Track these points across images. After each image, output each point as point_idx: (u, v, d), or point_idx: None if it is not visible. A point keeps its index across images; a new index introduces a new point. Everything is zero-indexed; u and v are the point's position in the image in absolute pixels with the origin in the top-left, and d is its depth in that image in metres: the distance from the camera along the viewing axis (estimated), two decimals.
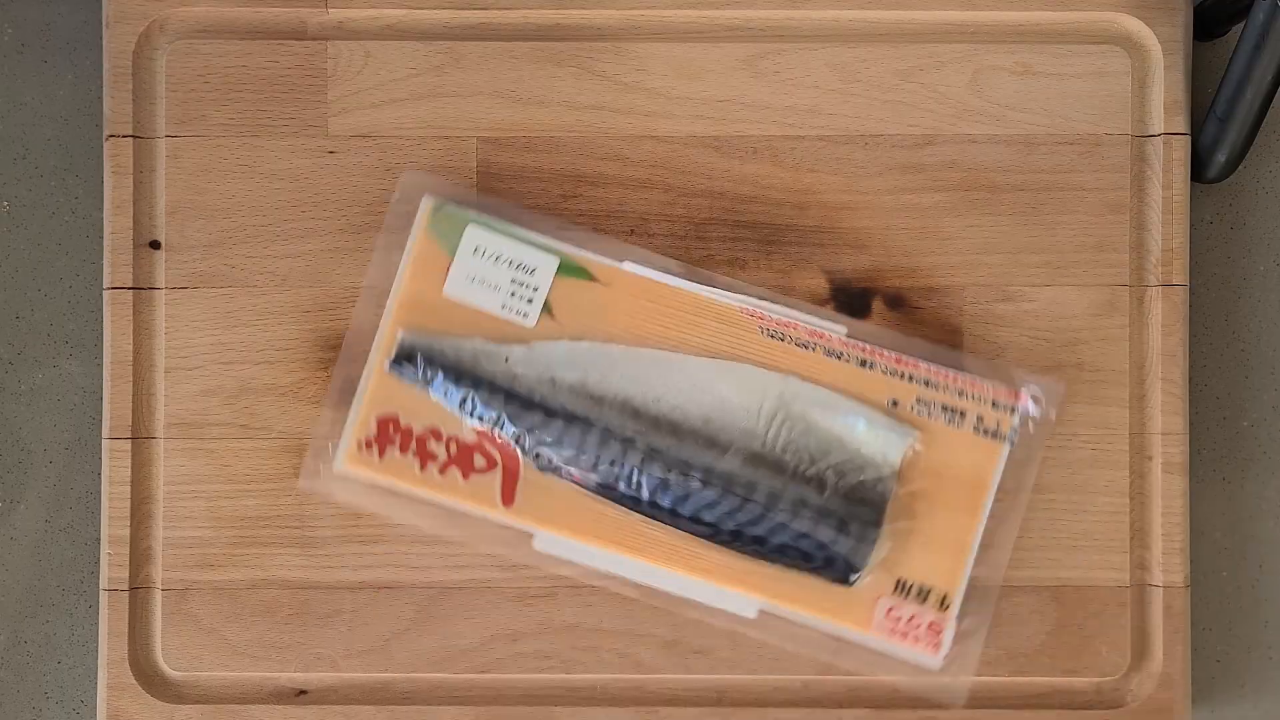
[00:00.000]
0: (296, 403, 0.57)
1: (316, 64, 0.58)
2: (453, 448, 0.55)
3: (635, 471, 0.55)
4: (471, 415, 0.55)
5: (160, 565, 0.57)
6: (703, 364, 0.56)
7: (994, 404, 0.55)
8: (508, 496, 0.55)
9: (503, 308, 0.55)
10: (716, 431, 0.55)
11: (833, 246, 0.58)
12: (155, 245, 0.58)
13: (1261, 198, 0.61)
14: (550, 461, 0.55)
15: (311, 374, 0.57)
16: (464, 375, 0.55)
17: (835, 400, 0.55)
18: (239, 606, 0.57)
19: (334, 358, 0.57)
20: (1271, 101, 0.55)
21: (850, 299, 0.58)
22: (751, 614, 0.56)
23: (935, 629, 0.55)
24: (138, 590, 0.57)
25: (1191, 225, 0.59)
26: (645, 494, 0.55)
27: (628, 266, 0.56)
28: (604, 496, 0.55)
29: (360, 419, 0.55)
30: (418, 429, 0.55)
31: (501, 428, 0.55)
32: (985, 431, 0.55)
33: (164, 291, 0.58)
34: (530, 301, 0.55)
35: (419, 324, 0.56)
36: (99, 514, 0.58)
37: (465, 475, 0.55)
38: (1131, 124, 0.58)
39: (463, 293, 0.55)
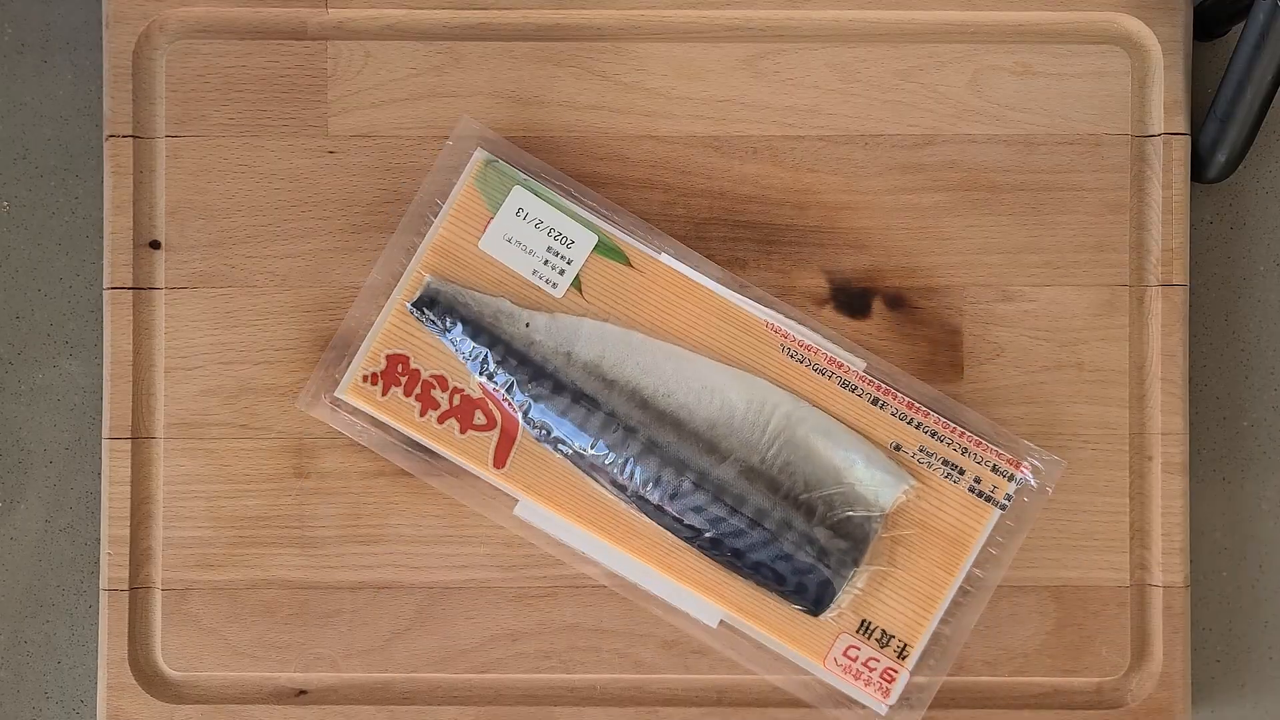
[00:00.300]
0: (296, 403, 0.57)
1: (316, 64, 0.58)
2: (456, 399, 0.55)
3: (631, 461, 0.55)
4: (481, 372, 0.55)
5: (160, 565, 0.57)
6: (718, 369, 0.56)
7: (994, 468, 0.56)
8: (500, 458, 0.55)
9: (534, 273, 0.56)
10: (718, 438, 0.55)
11: (832, 246, 0.58)
12: (155, 245, 0.58)
13: (1261, 198, 0.61)
14: (549, 433, 0.55)
15: (311, 374, 0.57)
16: (482, 331, 0.55)
17: (840, 432, 0.56)
18: (239, 606, 0.57)
19: (333, 358, 0.57)
20: (1271, 101, 0.55)
21: (850, 299, 0.58)
22: (712, 622, 0.56)
23: (889, 676, 0.55)
24: (138, 590, 0.57)
25: (1191, 225, 0.59)
26: (635, 484, 0.55)
27: (665, 258, 0.56)
28: (595, 478, 0.55)
29: (370, 351, 0.56)
30: (425, 373, 0.56)
31: (509, 390, 0.55)
32: (980, 494, 0.56)
33: (164, 291, 0.58)
34: (562, 273, 0.56)
35: (448, 272, 0.56)
36: (99, 514, 0.58)
37: (463, 429, 0.55)
38: (1131, 124, 0.58)
39: (497, 250, 0.56)
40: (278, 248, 0.58)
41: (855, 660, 0.55)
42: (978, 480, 0.55)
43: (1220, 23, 0.59)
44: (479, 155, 0.56)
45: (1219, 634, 0.60)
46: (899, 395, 0.56)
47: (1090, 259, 0.58)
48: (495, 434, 0.55)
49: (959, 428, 0.56)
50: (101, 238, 0.58)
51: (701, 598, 0.56)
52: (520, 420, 0.55)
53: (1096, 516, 0.57)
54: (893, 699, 0.55)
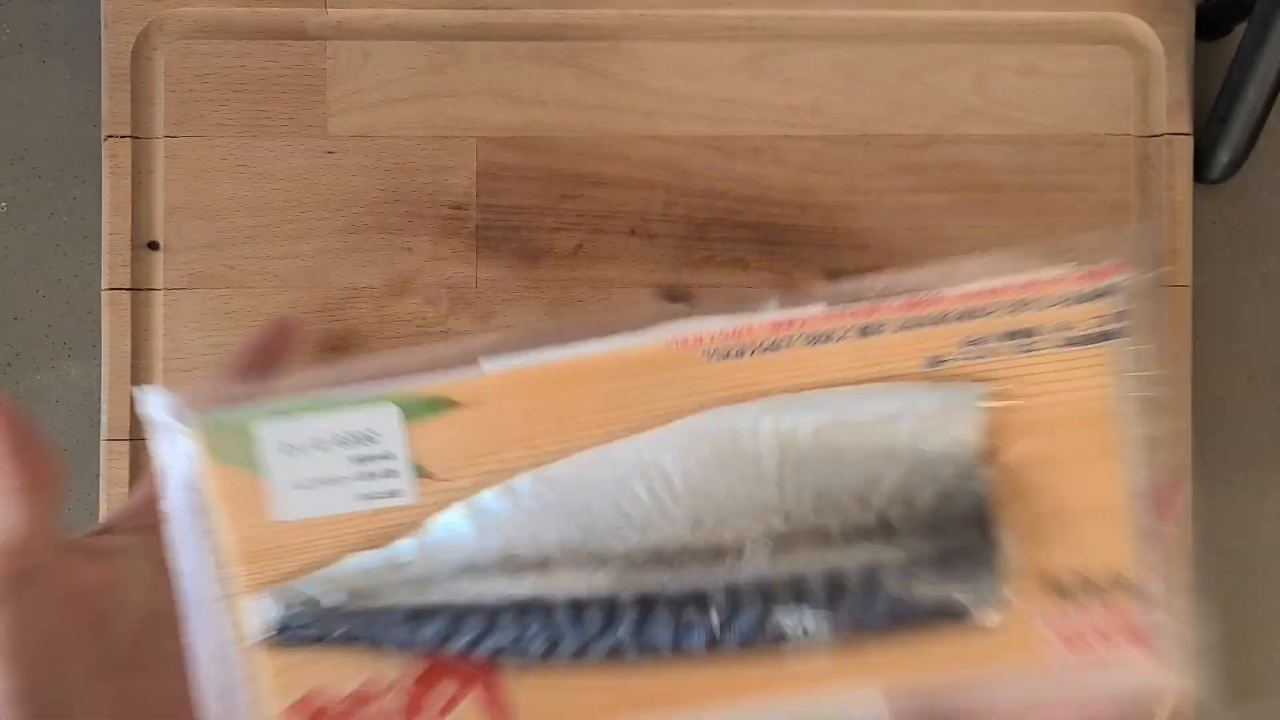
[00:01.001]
0: None
1: (315, 64, 0.58)
2: (403, 695, 0.39)
3: (635, 634, 0.38)
4: (401, 645, 0.39)
5: None
6: (652, 443, 0.37)
7: (1077, 298, 0.36)
8: (499, 716, 0.39)
9: (362, 499, 0.38)
10: (716, 530, 0.37)
11: (834, 247, 0.58)
12: (154, 246, 0.58)
13: (1265, 198, 0.60)
14: (528, 660, 0.39)
15: None
16: (365, 606, 0.40)
17: (852, 401, 0.37)
18: None
19: (332, 359, 0.57)
20: (1274, 101, 0.55)
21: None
22: (882, 713, 0.38)
23: (1122, 617, 0.37)
24: None
25: (1194, 226, 0.58)
26: (667, 650, 0.38)
27: (488, 367, 0.37)
28: (619, 664, 0.38)
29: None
30: (349, 689, 0.39)
31: (445, 643, 0.40)
32: (1079, 339, 0.36)
33: (162, 292, 0.58)
34: (393, 474, 0.39)
35: (274, 574, 0.39)
36: (97, 516, 0.57)
37: (442, 713, 0.39)
38: (1134, 124, 0.58)
39: (300, 508, 0.38)
40: (276, 248, 0.58)
41: (1076, 632, 0.37)
42: (1065, 328, 0.36)
43: (1223, 23, 0.58)
44: (196, 423, 0.37)
45: (1222, 637, 0.60)
46: (890, 302, 0.37)
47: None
48: (477, 694, 0.39)
49: (988, 285, 0.36)
50: (99, 239, 0.58)
51: (849, 690, 0.38)
52: (485, 658, 0.39)
53: None
54: (1158, 644, 0.37)
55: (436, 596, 0.39)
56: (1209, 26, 0.59)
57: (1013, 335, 0.36)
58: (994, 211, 0.58)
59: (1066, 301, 0.36)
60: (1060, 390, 0.36)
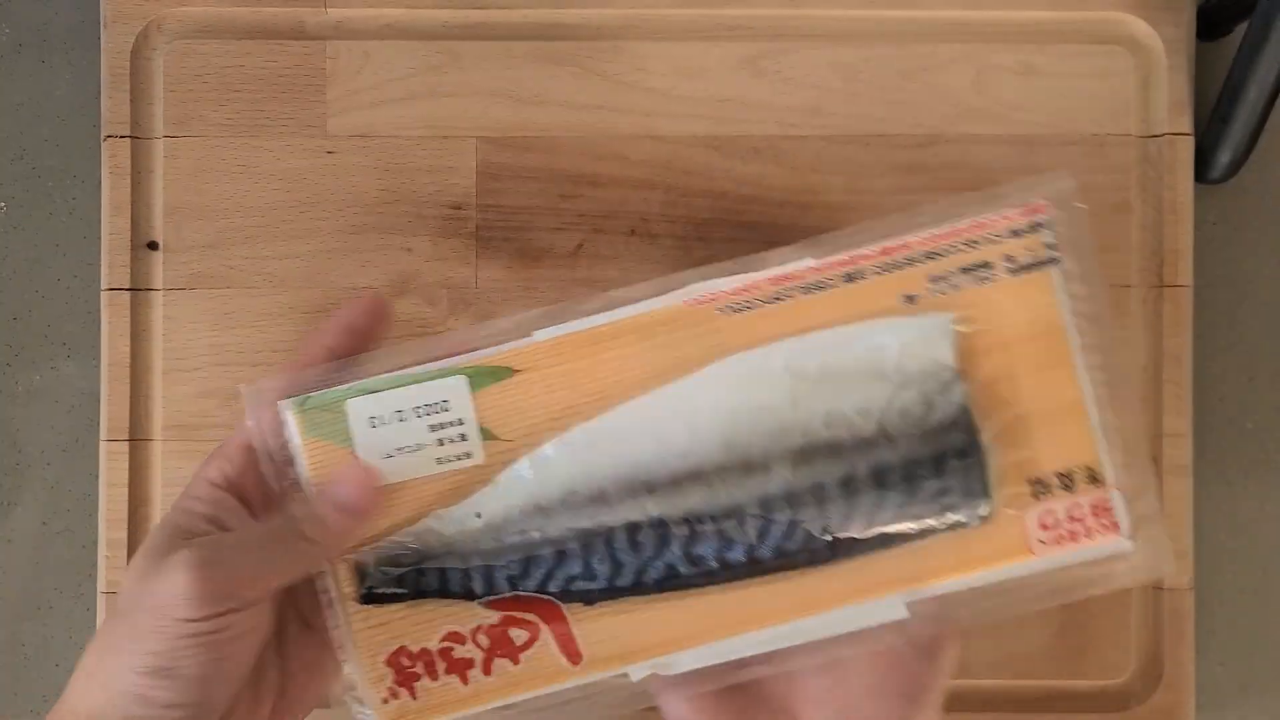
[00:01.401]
0: None
1: (315, 64, 0.58)
2: (483, 639, 0.45)
3: (685, 551, 0.45)
4: (479, 597, 0.45)
5: None
6: (683, 387, 0.45)
7: (1014, 233, 0.44)
8: (573, 652, 0.45)
9: (439, 462, 0.45)
10: (745, 451, 0.45)
11: None
12: (153, 246, 0.58)
13: (1265, 198, 0.60)
14: (591, 594, 0.45)
15: None
16: (445, 559, 0.45)
17: (846, 336, 0.45)
18: None
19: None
20: (1275, 101, 0.55)
21: None
22: (902, 613, 0.45)
23: (1102, 507, 0.44)
24: None
25: (1195, 225, 0.58)
26: (714, 563, 0.45)
27: (539, 336, 0.45)
28: (673, 590, 0.45)
29: (368, 674, 0.45)
30: (434, 644, 0.45)
31: (516, 587, 0.45)
32: (1023, 267, 0.44)
33: (162, 293, 0.57)
34: (464, 438, 0.45)
35: (362, 539, 0.45)
36: (96, 516, 0.57)
37: (515, 659, 0.45)
38: (1135, 124, 0.58)
39: (387, 474, 0.45)
40: (276, 248, 0.57)
41: (1058, 525, 0.44)
42: (1009, 258, 0.44)
43: (1224, 22, 0.58)
44: (288, 407, 0.45)
45: (1223, 636, 0.60)
46: (866, 251, 0.45)
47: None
48: (548, 636, 0.45)
49: (946, 228, 0.45)
50: (99, 239, 0.58)
51: (871, 600, 0.45)
52: (559, 604, 0.45)
53: None
54: (1126, 528, 0.44)
55: (510, 539, 0.45)
56: (1209, 26, 0.59)
57: (969, 269, 0.45)
58: None
59: (1009, 236, 0.44)
60: (1015, 311, 0.44)
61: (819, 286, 0.45)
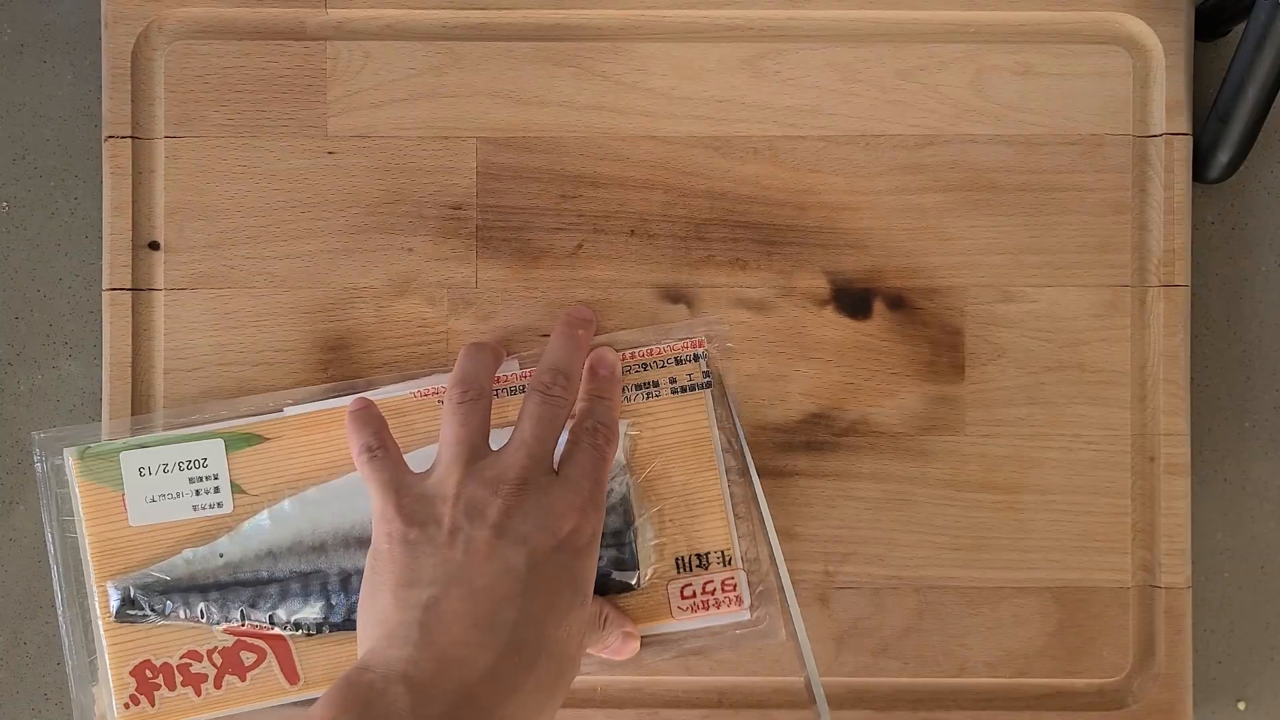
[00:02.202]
0: None
1: (315, 64, 0.58)
2: (216, 659, 0.55)
3: None
4: (215, 622, 0.55)
5: None
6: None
7: (677, 360, 0.56)
8: (291, 674, 0.55)
9: (195, 509, 0.55)
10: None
11: (834, 247, 0.58)
12: (154, 246, 0.58)
13: (1263, 198, 0.60)
14: (310, 625, 0.55)
15: (310, 376, 0.57)
16: (190, 590, 0.55)
17: None
18: None
19: (333, 359, 0.57)
20: (1273, 101, 0.55)
21: (851, 300, 0.58)
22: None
23: (729, 585, 0.55)
24: None
25: (1193, 225, 0.58)
26: None
27: (288, 411, 0.56)
28: None
29: (115, 681, 0.55)
30: (175, 659, 0.55)
31: (247, 618, 0.55)
32: (683, 389, 0.56)
33: (163, 293, 0.58)
34: (218, 490, 0.56)
35: (122, 566, 0.55)
36: None
37: (242, 677, 0.55)
38: (1133, 124, 0.58)
39: (149, 516, 0.55)
40: (277, 249, 0.58)
41: (695, 595, 0.55)
42: (673, 380, 0.56)
43: (1222, 23, 0.58)
44: (70, 455, 0.55)
45: (1221, 635, 0.60)
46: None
47: (1092, 259, 0.58)
48: (272, 660, 0.55)
49: (626, 350, 0.56)
50: (100, 239, 0.58)
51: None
52: (282, 633, 0.55)
53: (1098, 517, 0.57)
54: (748, 599, 0.55)
55: (244, 575, 0.55)
56: (1208, 26, 0.59)
57: (641, 388, 0.56)
58: (993, 211, 0.58)
59: (673, 363, 0.56)
60: (674, 422, 0.56)
61: (521, 389, 0.56)
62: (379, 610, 0.49)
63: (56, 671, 0.60)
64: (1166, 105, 0.58)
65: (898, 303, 0.58)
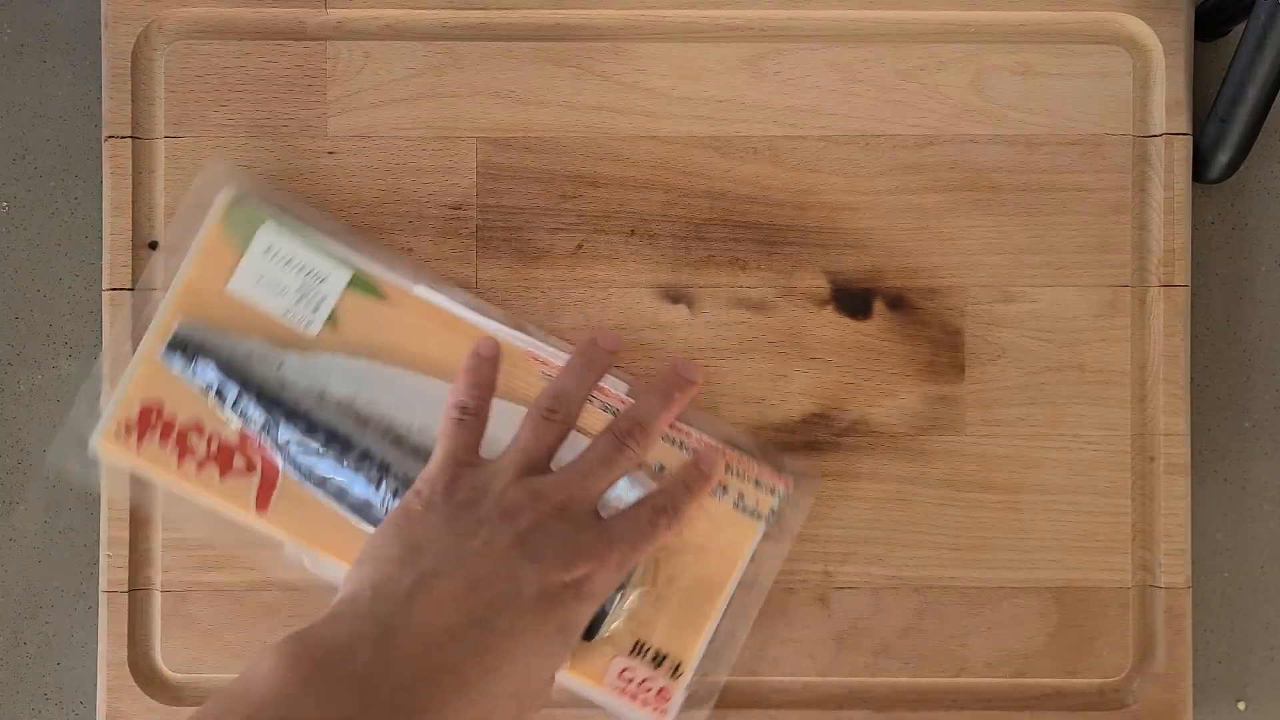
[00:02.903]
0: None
1: (315, 64, 0.58)
2: (213, 445, 0.54)
3: (390, 496, 0.54)
4: (236, 416, 0.54)
5: (159, 567, 0.57)
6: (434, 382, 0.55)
7: (757, 483, 0.55)
8: (262, 502, 0.54)
9: (286, 313, 0.55)
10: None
11: (834, 247, 0.58)
12: (154, 246, 0.58)
13: (1263, 198, 0.60)
14: (309, 474, 0.54)
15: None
16: (234, 374, 0.54)
17: None
18: (239, 608, 0.57)
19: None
20: (1273, 101, 0.55)
21: (851, 300, 0.58)
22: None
23: (664, 696, 0.54)
24: (137, 592, 0.57)
25: (1193, 225, 0.58)
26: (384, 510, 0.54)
27: (420, 290, 0.55)
28: (358, 517, 0.54)
29: (123, 401, 0.54)
30: (181, 421, 0.54)
31: (265, 433, 0.54)
32: (744, 509, 0.55)
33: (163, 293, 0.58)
34: (316, 310, 0.55)
35: (198, 316, 0.55)
36: (98, 515, 0.58)
37: (222, 474, 0.54)
38: (1133, 124, 0.58)
39: (248, 292, 0.55)
40: None
41: (631, 682, 0.54)
42: (741, 496, 0.55)
43: (1222, 23, 0.58)
44: (224, 194, 0.55)
45: (1221, 635, 0.60)
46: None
47: (1092, 259, 0.58)
48: (255, 478, 0.54)
49: (721, 445, 0.55)
50: (100, 239, 0.58)
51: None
52: (280, 463, 0.54)
53: (1098, 517, 0.57)
54: (669, 716, 0.54)
55: (284, 398, 0.54)
56: (1208, 26, 0.59)
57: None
58: (993, 211, 0.58)
59: (754, 482, 0.55)
60: (718, 533, 0.54)
61: (614, 411, 0.54)
62: (382, 555, 0.49)
63: (56, 671, 0.60)
64: (1166, 105, 0.58)
65: (898, 303, 0.58)
